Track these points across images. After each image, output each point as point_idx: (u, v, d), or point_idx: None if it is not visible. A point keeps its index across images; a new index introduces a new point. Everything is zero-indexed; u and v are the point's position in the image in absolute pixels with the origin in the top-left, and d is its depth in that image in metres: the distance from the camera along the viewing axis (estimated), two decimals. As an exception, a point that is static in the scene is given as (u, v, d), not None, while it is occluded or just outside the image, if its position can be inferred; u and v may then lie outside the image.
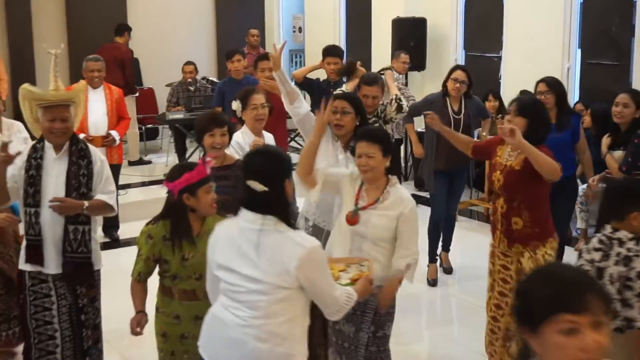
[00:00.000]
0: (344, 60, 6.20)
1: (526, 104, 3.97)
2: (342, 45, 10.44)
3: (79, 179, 3.67)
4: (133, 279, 3.34)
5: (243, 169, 2.76)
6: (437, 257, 6.02)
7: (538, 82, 5.17)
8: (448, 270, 6.12)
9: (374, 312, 3.47)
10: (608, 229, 3.30)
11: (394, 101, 4.77)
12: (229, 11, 11.39)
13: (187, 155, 8.88)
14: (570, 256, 6.34)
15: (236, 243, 2.71)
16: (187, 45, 10.79)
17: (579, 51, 7.65)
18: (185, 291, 3.26)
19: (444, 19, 8.89)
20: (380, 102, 4.78)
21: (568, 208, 5.36)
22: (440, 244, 6.07)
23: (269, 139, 4.55)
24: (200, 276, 3.18)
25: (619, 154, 5.18)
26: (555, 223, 4.41)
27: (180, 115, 8.73)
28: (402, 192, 3.48)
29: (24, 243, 3.76)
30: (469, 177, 7.43)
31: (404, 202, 3.43)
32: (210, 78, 9.65)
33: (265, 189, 2.63)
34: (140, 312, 3.32)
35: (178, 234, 3.23)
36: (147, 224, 3.33)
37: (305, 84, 6.12)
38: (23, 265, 3.75)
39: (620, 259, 3.21)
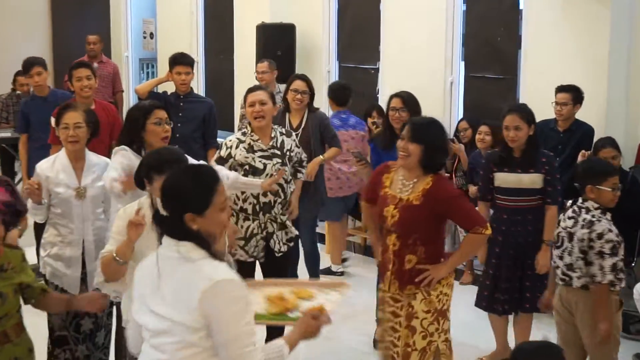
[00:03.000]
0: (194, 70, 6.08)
1: (421, 127, 3.69)
2: (201, 53, 9.89)
3: None
4: None
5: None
6: None
7: (392, 97, 5.07)
8: None
9: None
10: (579, 200, 3.95)
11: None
12: (67, 13, 10.90)
13: (15, 181, 7.92)
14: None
15: (152, 274, 2.47)
16: (17, 52, 9.49)
17: (462, 63, 7.41)
18: None
19: (315, 25, 8.45)
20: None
21: None
22: None
23: (98, 166, 4.12)
24: (6, 314, 3.06)
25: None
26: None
27: (7, 134, 8.04)
28: None
29: None
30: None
31: None
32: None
33: (165, 213, 2.43)
34: None
35: None
36: None
37: (151, 100, 5.43)
38: None
39: (584, 223, 3.84)
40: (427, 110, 6.23)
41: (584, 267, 3.83)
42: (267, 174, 4.41)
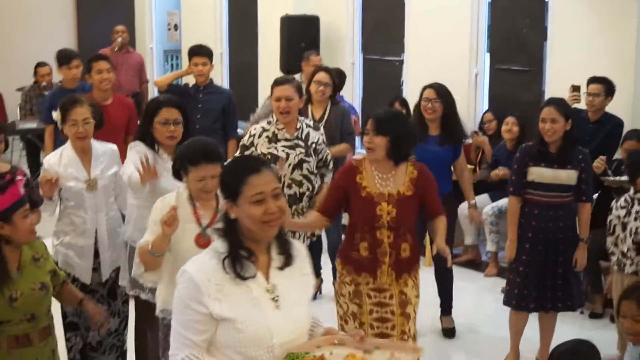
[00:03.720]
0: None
1: (384, 120, 3.73)
2: (225, 45, 9.93)
3: None
4: None
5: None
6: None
7: (425, 88, 5.06)
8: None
9: None
10: (631, 191, 4.19)
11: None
12: (92, 6, 10.94)
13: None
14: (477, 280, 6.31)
15: None
16: (43, 43, 9.97)
17: (487, 56, 7.41)
18: (17, 338, 3.04)
19: (339, 17, 8.45)
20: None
21: (450, 226, 5.25)
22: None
23: (104, 156, 4.16)
24: (33, 316, 3.06)
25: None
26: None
27: (32, 125, 8.20)
28: None
29: None
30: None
31: None
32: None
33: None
34: None
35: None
36: None
37: (172, 93, 5.56)
38: None
39: (638, 215, 4.10)
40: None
41: (636, 257, 4.11)
42: (289, 164, 4.42)
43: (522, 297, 4.51)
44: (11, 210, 2.96)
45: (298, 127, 4.53)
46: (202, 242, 3.25)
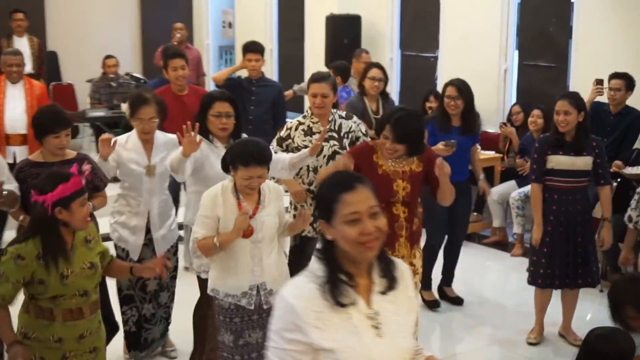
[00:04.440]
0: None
1: (402, 131, 3.86)
2: (274, 42, 10.26)
3: None
4: None
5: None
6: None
7: (447, 85, 5.21)
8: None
9: None
10: None
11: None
12: (155, 3, 11.18)
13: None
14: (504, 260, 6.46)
15: None
16: (110, 38, 10.48)
17: (516, 52, 7.62)
18: (71, 311, 3.11)
19: (379, 16, 8.75)
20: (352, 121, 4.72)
21: (468, 209, 5.62)
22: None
23: (165, 146, 4.28)
24: (85, 292, 3.12)
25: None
26: (455, 225, 5.32)
27: (101, 113, 8.45)
28: (269, 184, 3.59)
29: None
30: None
31: (276, 192, 3.59)
32: (135, 74, 9.29)
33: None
34: (16, 343, 3.04)
35: (51, 251, 3.03)
36: (12, 243, 3.12)
37: (228, 86, 5.84)
38: None
39: None
40: (482, 96, 6.69)
41: None
42: (324, 156, 4.51)
43: (547, 276, 4.65)
44: (71, 199, 3.03)
45: (330, 119, 4.61)
46: (246, 232, 3.40)
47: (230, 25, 11.10)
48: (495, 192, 6.71)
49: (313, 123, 4.58)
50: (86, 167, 3.16)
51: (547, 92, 7.17)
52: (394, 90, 8.59)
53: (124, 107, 4.29)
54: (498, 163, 7.07)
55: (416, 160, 3.96)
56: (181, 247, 4.49)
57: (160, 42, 9.15)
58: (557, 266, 4.62)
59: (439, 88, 7.75)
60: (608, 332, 3.00)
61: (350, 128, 4.68)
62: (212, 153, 3.97)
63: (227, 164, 3.47)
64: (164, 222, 4.27)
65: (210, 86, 10.62)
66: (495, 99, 7.53)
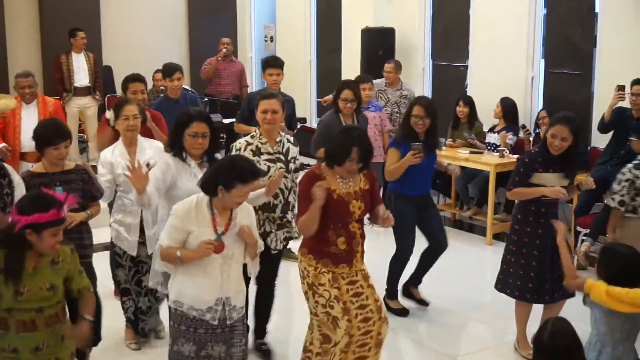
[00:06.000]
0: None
1: (368, 156, 3.94)
2: (313, 54, 10.59)
3: (4, 198, 3.66)
4: None
5: None
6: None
7: (413, 105, 5.20)
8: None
9: (242, 323, 3.67)
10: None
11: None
12: (202, 19, 11.49)
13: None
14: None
15: None
16: (160, 52, 10.76)
17: (542, 61, 7.82)
18: (24, 322, 3.12)
19: (412, 28, 9.02)
20: None
21: (439, 217, 5.57)
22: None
23: (149, 148, 4.57)
24: (40, 309, 3.12)
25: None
26: (435, 234, 5.38)
27: None
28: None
29: None
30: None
31: (246, 209, 3.66)
32: (184, 86, 9.62)
33: None
34: None
35: (13, 269, 3.06)
36: None
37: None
38: None
39: None
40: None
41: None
42: (269, 177, 4.32)
43: (538, 290, 4.61)
44: (44, 227, 3.04)
45: (278, 140, 4.50)
46: (217, 247, 3.45)
47: (271, 39, 11.36)
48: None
49: (262, 143, 4.46)
50: (70, 202, 3.19)
51: (572, 98, 7.42)
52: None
53: (109, 114, 4.59)
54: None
55: (363, 178, 4.01)
56: None
57: (207, 55, 9.54)
58: (548, 281, 4.60)
59: (469, 94, 8.11)
60: (557, 326, 2.96)
61: (296, 155, 4.62)
62: (185, 171, 4.06)
63: (214, 185, 3.43)
64: (156, 219, 4.33)
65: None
66: (523, 105, 7.71)
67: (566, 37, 7.56)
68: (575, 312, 4.05)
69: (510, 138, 7.33)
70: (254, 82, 11.42)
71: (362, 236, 4.02)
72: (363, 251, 4.04)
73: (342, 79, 9.46)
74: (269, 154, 4.46)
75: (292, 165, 4.55)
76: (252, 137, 4.50)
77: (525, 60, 7.80)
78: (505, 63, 7.88)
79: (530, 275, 4.63)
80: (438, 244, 5.41)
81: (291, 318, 5.36)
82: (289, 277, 5.40)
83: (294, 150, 4.60)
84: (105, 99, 9.84)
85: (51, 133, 3.97)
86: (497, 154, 7.21)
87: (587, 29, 7.37)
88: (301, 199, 3.92)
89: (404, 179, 5.18)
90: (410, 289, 5.60)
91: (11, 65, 9.94)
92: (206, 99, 9.22)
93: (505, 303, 4.97)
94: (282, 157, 4.50)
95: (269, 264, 4.46)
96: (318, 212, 3.77)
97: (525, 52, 7.79)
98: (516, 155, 7.26)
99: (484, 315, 5.52)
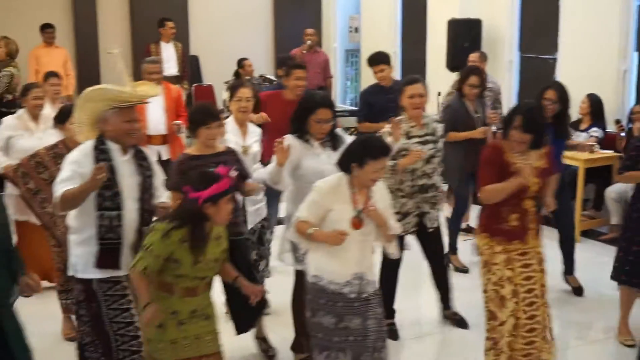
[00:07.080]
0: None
1: (531, 119, 4.01)
2: (398, 46, 10.57)
3: (148, 179, 3.78)
4: (137, 271, 3.34)
5: None
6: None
7: (546, 88, 5.27)
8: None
9: (376, 296, 3.76)
10: None
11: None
12: (287, 10, 11.67)
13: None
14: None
15: None
16: (245, 42, 11.07)
17: (635, 53, 7.61)
18: (188, 289, 3.45)
19: (499, 19, 8.89)
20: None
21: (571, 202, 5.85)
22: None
23: (255, 132, 4.84)
24: (204, 277, 3.49)
25: None
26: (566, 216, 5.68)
27: None
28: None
29: (91, 249, 3.66)
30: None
31: (383, 189, 3.80)
32: (268, 76, 9.78)
33: None
34: (150, 303, 3.35)
35: (198, 240, 3.37)
36: (161, 221, 3.41)
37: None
38: (90, 273, 3.69)
39: None
40: (602, 97, 7.04)
41: None
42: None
43: (632, 274, 4.64)
44: (220, 196, 3.35)
45: (425, 122, 4.75)
46: (357, 224, 3.59)
47: (356, 30, 11.42)
48: (613, 190, 6.85)
49: (411, 127, 4.72)
50: (234, 173, 3.44)
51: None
52: (512, 92, 8.71)
53: (225, 94, 4.88)
54: (616, 161, 7.14)
55: (540, 157, 4.03)
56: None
57: (292, 46, 9.65)
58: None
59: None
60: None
61: (442, 132, 4.86)
62: (308, 152, 4.18)
63: (348, 162, 3.59)
64: (254, 197, 4.59)
65: (337, 87, 11.08)
66: (615, 100, 7.54)
67: (661, 29, 7.32)
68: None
69: (595, 130, 7.15)
70: (338, 72, 11.48)
71: (536, 214, 4.07)
72: (537, 229, 4.09)
73: (427, 70, 9.61)
74: (419, 137, 4.72)
75: (440, 144, 4.84)
76: (400, 121, 4.64)
77: (617, 53, 7.58)
78: (596, 56, 7.69)
79: (628, 259, 4.67)
80: (564, 231, 5.67)
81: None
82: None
83: (440, 128, 4.85)
84: (192, 88, 10.12)
85: (202, 114, 4.16)
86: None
87: (684, 20, 7.11)
88: (485, 165, 4.02)
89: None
90: (568, 278, 5.78)
91: (103, 55, 10.32)
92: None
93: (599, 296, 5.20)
94: (431, 138, 4.77)
95: (431, 241, 4.96)
96: (516, 189, 3.85)
97: (617, 45, 7.57)
98: (609, 151, 7.16)
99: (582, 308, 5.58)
